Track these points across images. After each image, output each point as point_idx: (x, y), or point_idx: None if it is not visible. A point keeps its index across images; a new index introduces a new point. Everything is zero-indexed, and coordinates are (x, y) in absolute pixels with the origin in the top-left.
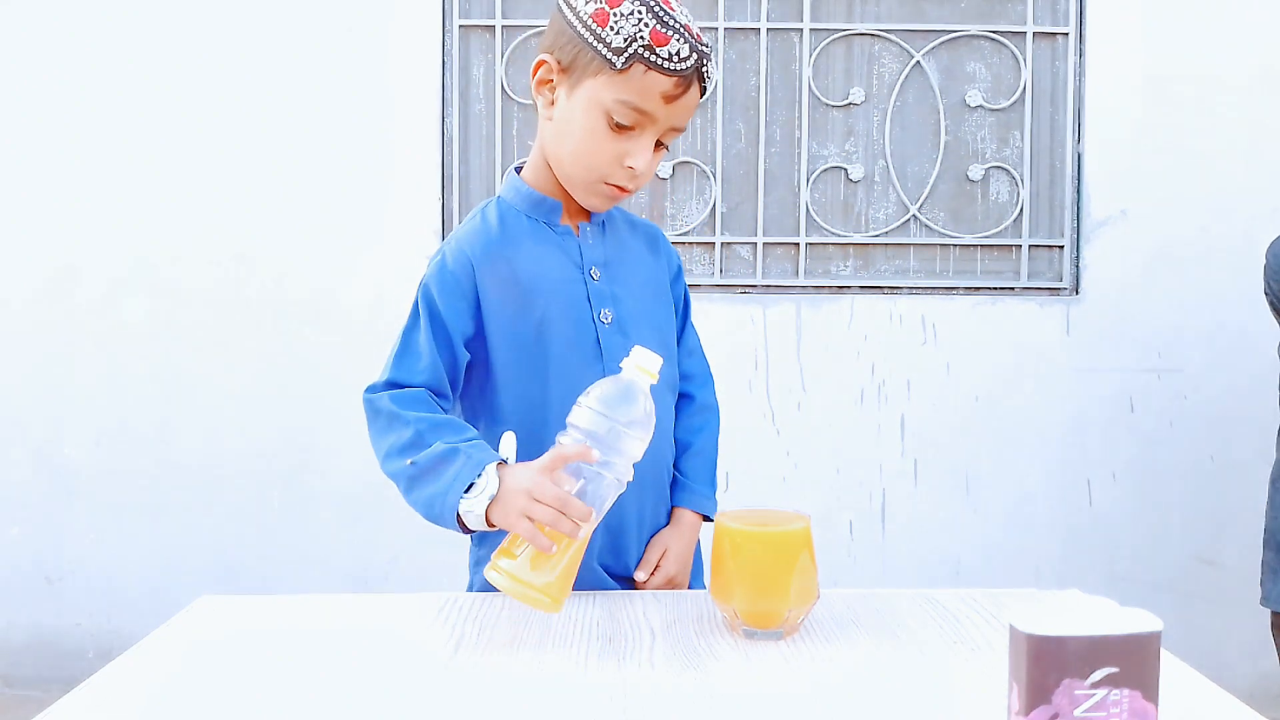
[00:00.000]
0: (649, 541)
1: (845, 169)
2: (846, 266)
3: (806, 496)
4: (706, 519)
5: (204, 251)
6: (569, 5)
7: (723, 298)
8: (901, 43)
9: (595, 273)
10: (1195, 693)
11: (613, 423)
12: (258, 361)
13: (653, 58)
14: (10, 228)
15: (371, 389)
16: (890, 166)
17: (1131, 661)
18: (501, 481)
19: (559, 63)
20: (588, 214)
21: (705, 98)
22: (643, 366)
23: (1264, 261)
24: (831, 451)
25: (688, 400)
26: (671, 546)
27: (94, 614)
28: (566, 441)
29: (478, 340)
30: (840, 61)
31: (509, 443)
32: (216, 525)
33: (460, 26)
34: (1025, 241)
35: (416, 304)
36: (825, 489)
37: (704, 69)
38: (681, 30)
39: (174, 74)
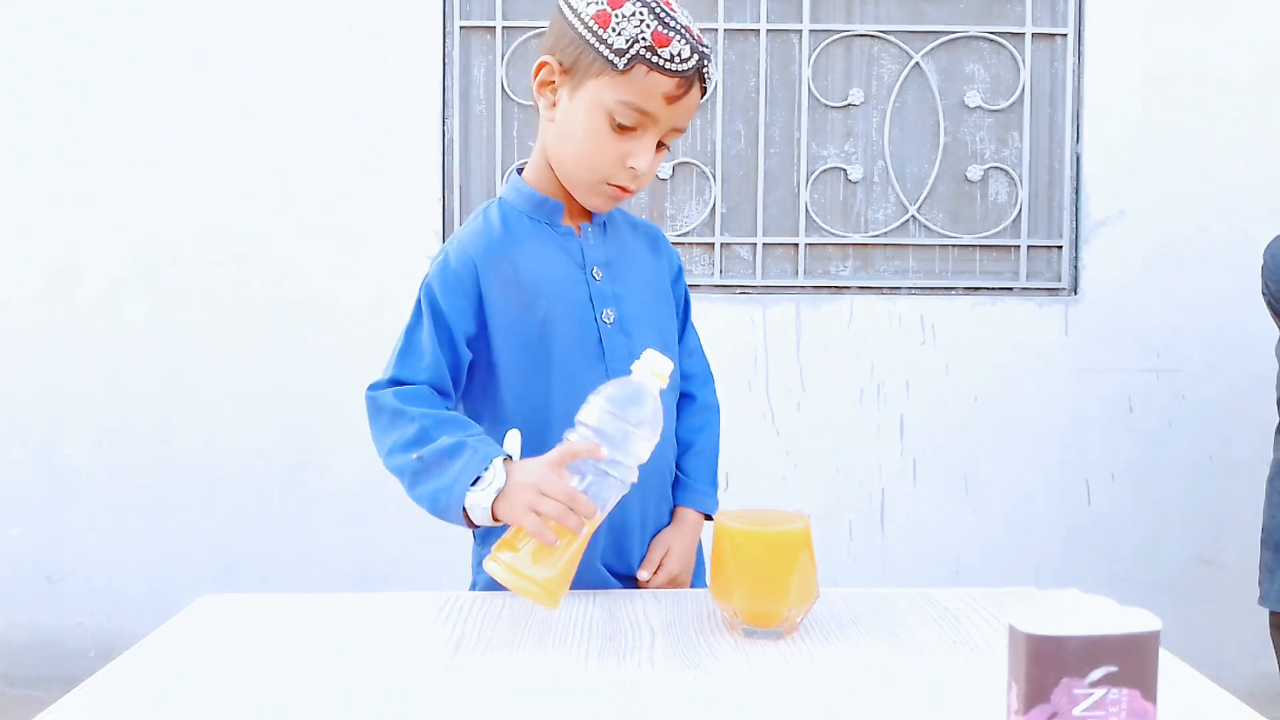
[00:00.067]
0: (651, 541)
1: (844, 170)
2: (846, 267)
3: (806, 496)
4: (708, 518)
5: (204, 251)
6: (570, 7)
7: (722, 298)
8: (900, 44)
9: (597, 273)
10: (1194, 692)
11: (622, 422)
12: (258, 361)
13: (654, 59)
14: (10, 228)
15: (374, 386)
16: (889, 167)
17: (1130, 661)
18: (509, 476)
19: (560, 64)
20: (589, 215)
21: (705, 98)
22: (654, 370)
23: (1262, 262)
24: (831, 451)
25: (689, 400)
26: (674, 545)
27: (94, 613)
28: (574, 438)
29: (480, 340)
30: (839, 62)
31: (514, 440)
32: (216, 525)
33: (461, 28)
34: (1024, 242)
35: (419, 303)
36: (825, 489)
37: (704, 70)
38: (682, 31)
39: (174, 74)
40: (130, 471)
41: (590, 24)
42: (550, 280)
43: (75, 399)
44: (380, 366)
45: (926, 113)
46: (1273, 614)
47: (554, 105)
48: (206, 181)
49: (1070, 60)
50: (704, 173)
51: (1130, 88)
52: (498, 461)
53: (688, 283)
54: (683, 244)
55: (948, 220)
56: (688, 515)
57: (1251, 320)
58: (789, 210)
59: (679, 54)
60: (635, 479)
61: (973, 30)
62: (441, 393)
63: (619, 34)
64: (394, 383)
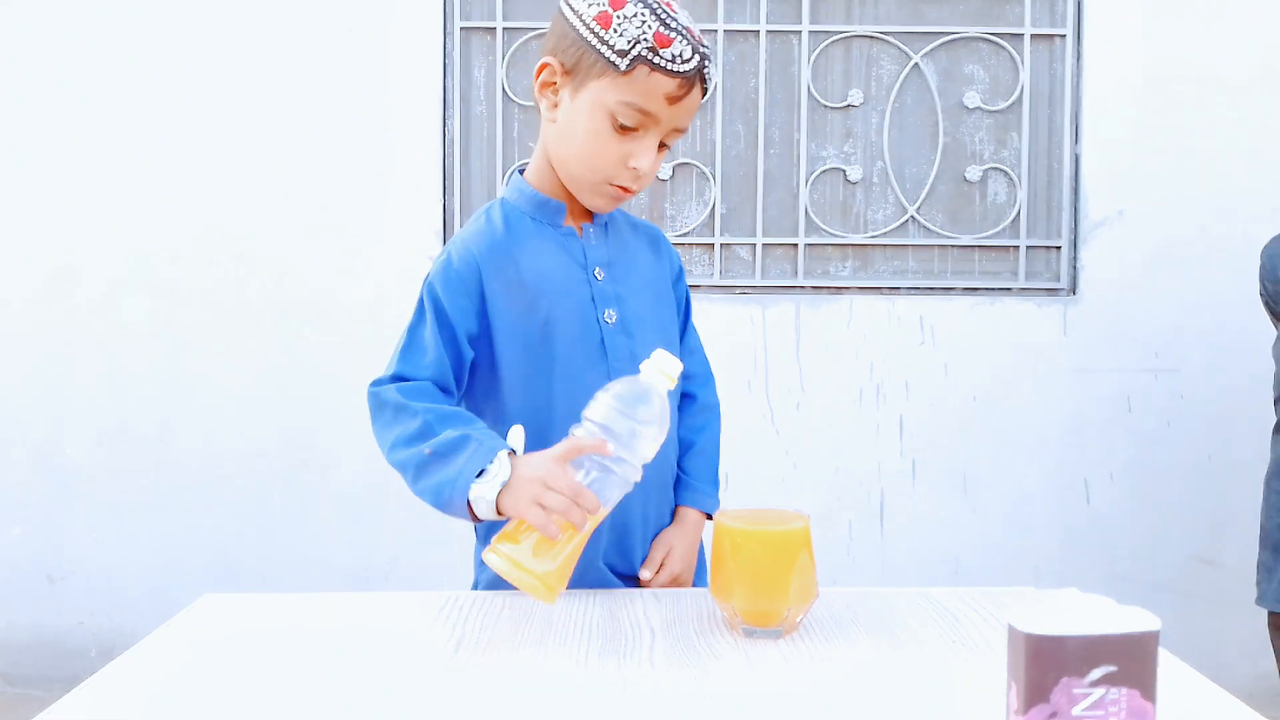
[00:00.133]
0: (653, 540)
1: (844, 170)
2: (845, 267)
3: (805, 496)
4: (710, 517)
5: (204, 251)
6: (571, 8)
7: (722, 298)
8: (900, 44)
9: (599, 273)
10: (1194, 692)
11: (629, 420)
12: (258, 361)
13: (656, 59)
14: (10, 228)
15: (377, 382)
16: (889, 168)
17: (1130, 660)
18: (514, 469)
19: (562, 65)
20: (590, 215)
21: (705, 99)
22: (664, 370)
23: (1259, 262)
24: (830, 451)
25: (690, 400)
26: (676, 545)
27: (95, 613)
28: (581, 433)
29: (483, 341)
30: (839, 63)
31: (518, 435)
32: (216, 525)
33: (461, 28)
34: (1023, 242)
35: (421, 301)
36: (824, 489)
37: (705, 70)
38: (684, 32)
39: (174, 74)
40: (130, 471)
41: (592, 25)
42: (552, 280)
43: (75, 399)
44: (381, 365)
45: (926, 113)
46: (1271, 614)
47: (556, 106)
48: (206, 181)
49: (1069, 61)
50: (704, 173)
51: (1129, 88)
52: (503, 454)
53: (688, 283)
54: (682, 244)
55: (947, 221)
56: (689, 515)
57: (1251, 320)
58: (788, 211)
59: (680, 54)
60: (639, 478)
61: (972, 31)
62: (444, 390)
63: (621, 35)
64: (397, 379)
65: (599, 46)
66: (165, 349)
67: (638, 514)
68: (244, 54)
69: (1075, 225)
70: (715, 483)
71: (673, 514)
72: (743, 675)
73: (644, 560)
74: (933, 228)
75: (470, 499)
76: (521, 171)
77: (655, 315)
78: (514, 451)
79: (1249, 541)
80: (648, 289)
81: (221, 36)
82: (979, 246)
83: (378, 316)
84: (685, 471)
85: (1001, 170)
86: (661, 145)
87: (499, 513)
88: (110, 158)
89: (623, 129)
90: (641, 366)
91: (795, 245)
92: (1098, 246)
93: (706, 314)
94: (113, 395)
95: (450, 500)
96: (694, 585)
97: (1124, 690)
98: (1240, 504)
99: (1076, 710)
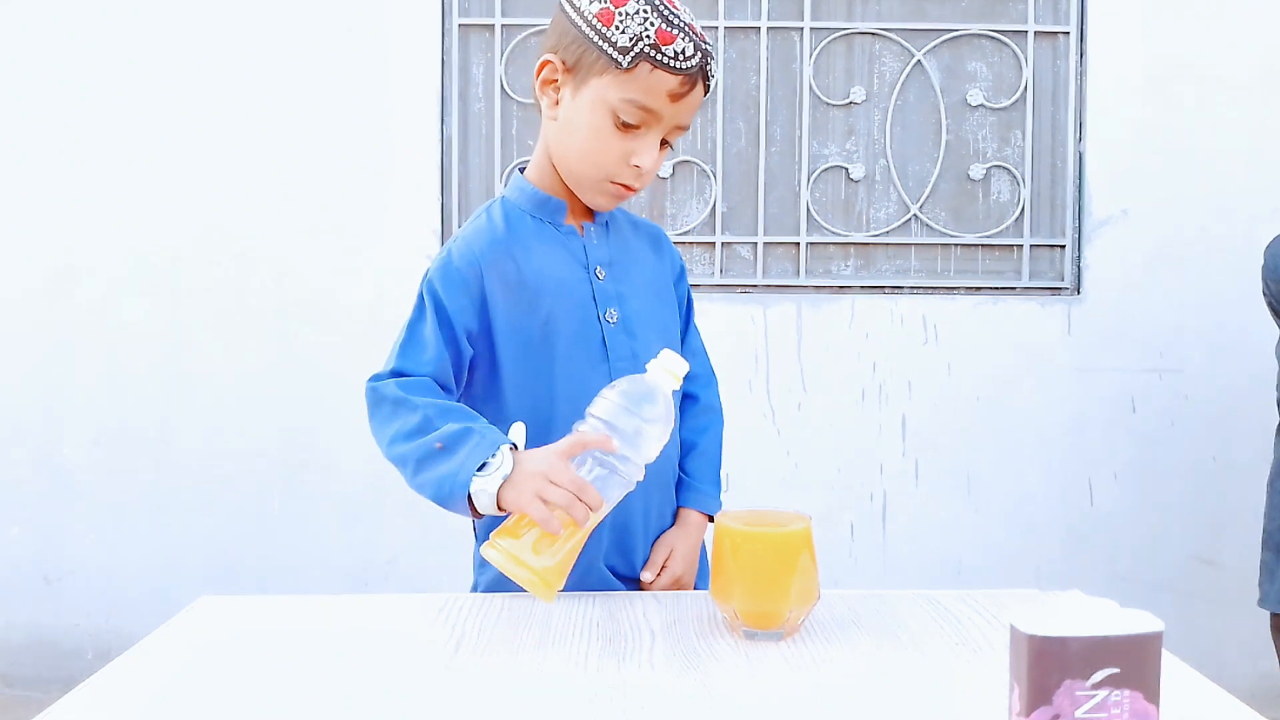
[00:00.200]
0: (655, 542)
1: (846, 168)
2: (847, 266)
3: (807, 497)
4: (711, 519)
5: (204, 251)
6: (573, 5)
7: (723, 297)
8: (902, 42)
9: (600, 272)
10: (1196, 693)
11: (634, 418)
12: (258, 361)
13: (659, 56)
14: (10, 228)
15: (376, 378)
16: (891, 166)
17: (1132, 662)
18: (516, 463)
19: (563, 62)
20: (591, 214)
21: (707, 96)
22: (670, 370)
23: (1262, 262)
24: (832, 452)
25: (692, 400)
26: (677, 547)
27: (93, 614)
28: (585, 430)
29: (483, 339)
30: (841, 60)
31: (519, 431)
32: (216, 525)
33: (460, 25)
34: (1026, 241)
35: (421, 297)
36: (826, 489)
37: (708, 67)
38: (686, 29)
39: (174, 74)
40: (129, 471)
41: (593, 22)
42: (553, 280)
43: (75, 399)
44: (380, 363)
45: (928, 111)
46: (1274, 615)
47: (557, 104)
48: (206, 181)
49: (1073, 59)
50: (705, 171)
51: (1132, 87)
52: (505, 448)
53: (688, 282)
54: (683, 243)
55: (950, 219)
56: (691, 516)
57: (1253, 320)
58: (790, 209)
59: (683, 51)
60: (641, 478)
61: (975, 28)
62: (443, 386)
63: (623, 32)
64: (396, 374)
65: (601, 43)
66: (165, 349)
67: (639, 515)
68: (244, 54)
69: (1079, 224)
70: (717, 484)
71: (674, 516)
72: (743, 678)
73: (645, 562)
74: (935, 226)
75: (471, 492)
76: (521, 170)
77: (657, 315)
78: (515, 446)
79: (1250, 542)
80: (649, 288)
81: (221, 36)
82: (982, 245)
83: (377, 316)
84: (687, 473)
85: (1005, 168)
86: (663, 143)
87: (500, 507)
88: (110, 158)
89: (624, 126)
90: (648, 365)
91: (797, 244)
92: (1101, 245)
93: (707, 313)
94: (112, 395)
95: (450, 494)
96: (696, 587)
97: (1127, 692)
98: (1242, 505)
99: (1079, 712)
